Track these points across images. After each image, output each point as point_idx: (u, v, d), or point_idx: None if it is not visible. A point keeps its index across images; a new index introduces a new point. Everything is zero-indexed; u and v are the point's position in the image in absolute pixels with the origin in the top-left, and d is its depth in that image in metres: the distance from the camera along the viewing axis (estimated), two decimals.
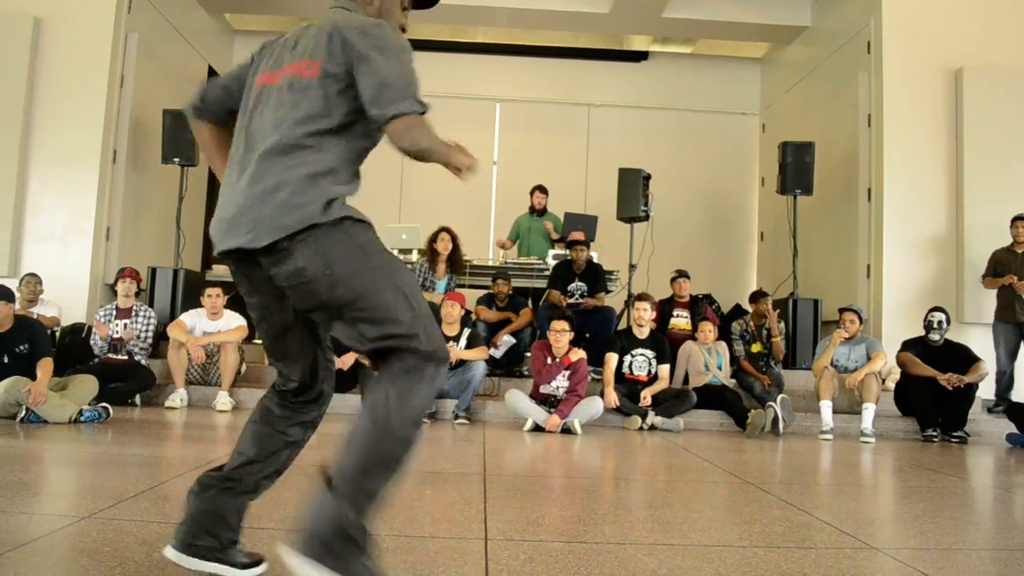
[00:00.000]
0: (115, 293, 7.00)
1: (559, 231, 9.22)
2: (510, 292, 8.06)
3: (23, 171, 7.97)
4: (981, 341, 7.52)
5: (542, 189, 9.45)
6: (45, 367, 5.54)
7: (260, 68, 2.11)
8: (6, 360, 5.58)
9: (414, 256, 8.53)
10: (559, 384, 6.33)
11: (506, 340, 7.75)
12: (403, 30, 2.21)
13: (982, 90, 8.32)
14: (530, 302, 8.38)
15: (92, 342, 6.71)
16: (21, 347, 5.65)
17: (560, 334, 6.36)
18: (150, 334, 6.88)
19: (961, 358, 6.82)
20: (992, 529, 3.49)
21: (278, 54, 2.09)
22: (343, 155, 2.00)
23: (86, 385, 5.83)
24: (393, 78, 1.91)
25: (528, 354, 7.37)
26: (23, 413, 5.26)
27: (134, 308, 6.87)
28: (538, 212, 9.45)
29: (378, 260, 1.94)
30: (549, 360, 6.40)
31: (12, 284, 7.26)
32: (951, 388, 6.58)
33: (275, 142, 1.95)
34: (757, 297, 7.75)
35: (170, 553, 2.03)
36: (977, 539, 3.19)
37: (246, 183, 1.94)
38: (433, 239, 7.96)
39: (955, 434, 6.54)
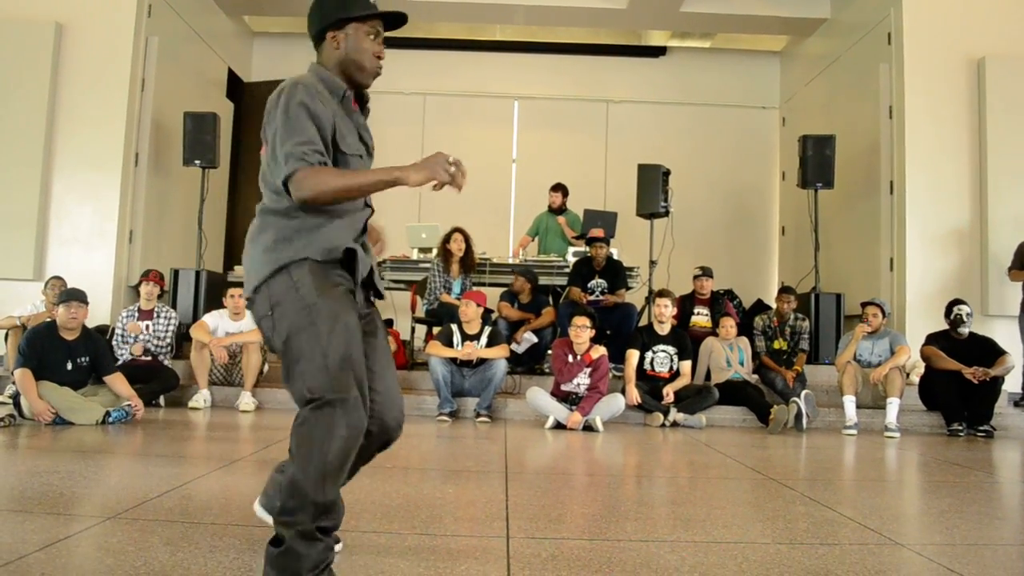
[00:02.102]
0: (138, 295, 7.07)
1: (575, 228, 9.17)
2: (529, 288, 7.91)
3: (47, 175, 8.06)
4: (1006, 334, 7.43)
5: (556, 188, 9.41)
6: (121, 380, 5.80)
7: None
8: (68, 367, 5.66)
9: (433, 255, 8.50)
10: (580, 381, 6.32)
11: (527, 337, 7.67)
12: (379, 58, 2.26)
13: (1005, 80, 8.20)
14: (551, 299, 8.34)
15: (115, 344, 6.77)
16: (82, 359, 5.74)
17: (581, 329, 6.34)
18: (170, 334, 6.95)
19: (987, 351, 6.72)
20: (1019, 524, 3.45)
21: None
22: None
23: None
24: (276, 142, 2.09)
25: (549, 352, 7.36)
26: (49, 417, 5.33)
27: (155, 309, 6.95)
28: (555, 210, 9.44)
29: None
30: (570, 358, 6.38)
31: (37, 287, 7.38)
32: (977, 381, 6.48)
33: None
34: (782, 294, 7.66)
35: None
36: (1004, 534, 3.15)
37: None
38: (446, 240, 7.88)
39: (981, 428, 6.45)
